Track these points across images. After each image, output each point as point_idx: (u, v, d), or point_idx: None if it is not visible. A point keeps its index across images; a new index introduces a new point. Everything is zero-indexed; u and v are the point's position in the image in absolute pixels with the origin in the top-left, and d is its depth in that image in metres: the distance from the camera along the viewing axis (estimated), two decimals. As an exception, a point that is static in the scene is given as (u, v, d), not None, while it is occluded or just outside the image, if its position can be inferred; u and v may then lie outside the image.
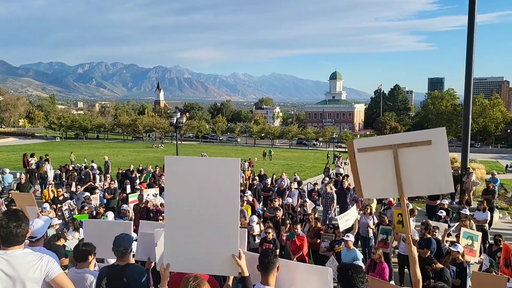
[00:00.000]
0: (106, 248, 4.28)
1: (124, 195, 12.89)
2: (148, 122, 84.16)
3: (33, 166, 19.60)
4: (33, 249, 2.96)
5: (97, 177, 18.22)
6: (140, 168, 20.33)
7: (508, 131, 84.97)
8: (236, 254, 2.88)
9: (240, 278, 2.86)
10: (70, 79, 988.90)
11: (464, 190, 15.25)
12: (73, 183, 15.03)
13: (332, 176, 21.63)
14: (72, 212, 10.80)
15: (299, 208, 12.30)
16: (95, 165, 21.13)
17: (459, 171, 16.06)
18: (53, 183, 15.79)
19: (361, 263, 7.01)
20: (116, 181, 16.08)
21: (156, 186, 14.27)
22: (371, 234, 9.94)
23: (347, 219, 9.49)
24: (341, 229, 9.07)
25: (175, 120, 19.16)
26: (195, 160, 3.06)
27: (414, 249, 3.23)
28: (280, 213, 10.55)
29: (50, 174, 18.74)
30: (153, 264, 4.43)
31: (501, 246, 7.38)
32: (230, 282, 3.35)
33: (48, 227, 5.44)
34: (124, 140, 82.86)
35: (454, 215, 11.94)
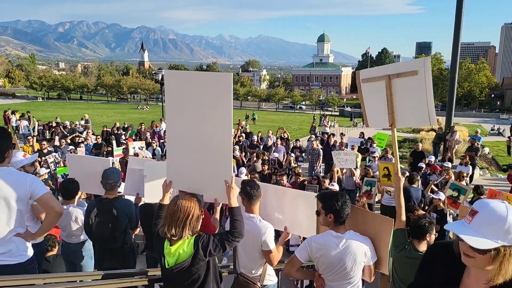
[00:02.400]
0: (89, 183, 4.28)
1: (109, 149, 12.77)
2: (132, 83, 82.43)
3: (14, 124, 19.21)
4: None
5: (83, 133, 17.99)
6: (126, 125, 20.10)
7: (492, 96, 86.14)
8: (228, 180, 2.85)
9: (229, 209, 2.83)
10: (50, 39, 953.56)
11: (447, 148, 15.59)
12: (57, 138, 14.78)
13: (318, 134, 21.78)
14: (57, 165, 10.68)
15: (284, 162, 12.45)
16: (78, 122, 20.84)
17: (443, 130, 16.34)
18: (35, 137, 15.49)
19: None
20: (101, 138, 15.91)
21: (142, 141, 14.16)
22: (355, 187, 10.16)
23: (346, 159, 9.68)
24: (336, 165, 9.34)
25: (160, 77, 18.81)
26: (192, 74, 3.00)
27: (402, 179, 3.31)
28: (266, 167, 10.68)
29: (24, 130, 18.47)
30: (142, 200, 4.44)
31: (482, 197, 7.56)
32: (217, 215, 3.36)
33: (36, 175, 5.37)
34: (108, 101, 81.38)
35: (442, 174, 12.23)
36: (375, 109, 3.45)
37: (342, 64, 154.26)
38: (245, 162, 13.06)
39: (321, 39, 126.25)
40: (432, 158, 12.22)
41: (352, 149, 12.71)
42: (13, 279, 2.30)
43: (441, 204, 6.98)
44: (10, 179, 2.64)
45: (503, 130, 37.37)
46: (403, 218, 3.41)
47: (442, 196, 7.16)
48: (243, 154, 14.05)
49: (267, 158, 12.06)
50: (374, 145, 14.78)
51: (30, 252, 2.85)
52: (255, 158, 12.13)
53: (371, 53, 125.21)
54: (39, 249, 3.74)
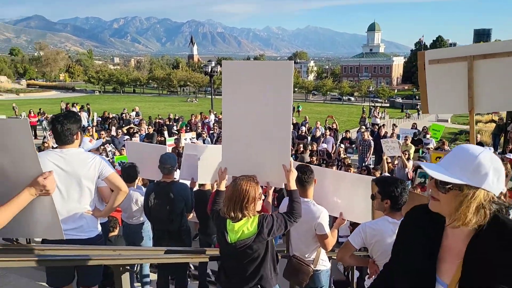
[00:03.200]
0: (147, 169, 4.49)
1: (162, 139, 13.26)
2: (182, 76, 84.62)
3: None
4: None
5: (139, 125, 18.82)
6: (176, 117, 20.74)
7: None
8: (287, 164, 2.87)
9: (287, 191, 2.86)
10: (106, 34, 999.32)
11: (508, 139, 14.66)
12: (113, 128, 15.58)
13: (368, 126, 21.25)
14: (114, 154, 11.29)
15: (333, 153, 12.31)
16: (133, 114, 21.80)
17: (504, 120, 15.38)
18: (94, 127, 16.45)
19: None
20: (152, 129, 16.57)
21: (193, 132, 14.59)
22: (408, 178, 9.86)
23: (393, 146, 9.85)
24: (385, 153, 9.45)
25: (209, 69, 19.18)
26: (250, 63, 3.03)
27: None
28: (315, 159, 10.65)
29: (84, 122, 19.58)
30: (196, 185, 4.60)
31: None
32: (270, 199, 3.41)
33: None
34: (159, 94, 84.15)
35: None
36: (442, 93, 3.19)
37: (393, 53, 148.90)
38: (292, 153, 13.09)
39: (372, 28, 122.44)
40: (491, 150, 11.56)
41: (406, 140, 12.31)
42: (88, 249, 2.50)
43: (502, 197, 6.62)
44: (81, 159, 2.85)
45: None
46: None
47: (503, 189, 6.78)
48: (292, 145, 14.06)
49: (315, 149, 12.00)
50: (428, 136, 14.20)
51: (99, 228, 3.07)
52: (302, 149, 12.11)
53: (425, 42, 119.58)
54: (104, 228, 4.01)
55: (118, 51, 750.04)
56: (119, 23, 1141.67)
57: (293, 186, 2.83)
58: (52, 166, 2.75)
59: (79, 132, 2.90)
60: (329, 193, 3.42)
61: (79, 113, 19.72)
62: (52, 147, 9.66)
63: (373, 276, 2.88)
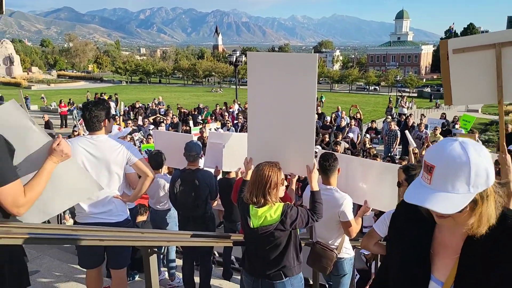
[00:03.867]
0: (172, 157, 4.59)
1: (187, 128, 13.45)
2: (207, 66, 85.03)
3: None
4: None
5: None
6: (201, 106, 20.95)
7: None
8: (310, 163, 2.92)
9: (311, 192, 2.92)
10: (132, 25, 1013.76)
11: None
12: (140, 118, 15.89)
13: (395, 115, 20.87)
14: (141, 142, 11.56)
15: (359, 143, 12.19)
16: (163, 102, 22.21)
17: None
18: (121, 116, 16.84)
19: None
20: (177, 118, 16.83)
21: (218, 121, 14.72)
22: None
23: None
24: (411, 144, 9.43)
25: (234, 59, 19.21)
26: (275, 55, 3.06)
27: (508, 158, 3.01)
28: (340, 147, 10.53)
29: (113, 111, 20.02)
30: (220, 172, 4.67)
31: None
32: (294, 186, 3.40)
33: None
34: (185, 85, 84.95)
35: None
36: (467, 83, 3.03)
37: (422, 42, 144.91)
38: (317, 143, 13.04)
39: (400, 15, 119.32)
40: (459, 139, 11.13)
41: (435, 130, 12.05)
42: (117, 231, 2.60)
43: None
44: (109, 145, 2.95)
45: None
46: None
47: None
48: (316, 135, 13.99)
49: (339, 139, 11.90)
50: (457, 126, 13.84)
51: (127, 212, 3.17)
52: (327, 139, 12.04)
53: (455, 29, 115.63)
54: (132, 214, 4.13)
55: (144, 42, 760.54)
56: (146, 14, 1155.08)
57: (315, 187, 2.89)
58: (82, 151, 2.86)
59: (107, 120, 2.99)
60: (355, 180, 3.42)
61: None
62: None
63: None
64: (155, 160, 4.50)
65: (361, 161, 3.50)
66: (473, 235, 1.22)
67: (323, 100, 47.76)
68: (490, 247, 1.21)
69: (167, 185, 4.40)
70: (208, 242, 2.85)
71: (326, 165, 3.22)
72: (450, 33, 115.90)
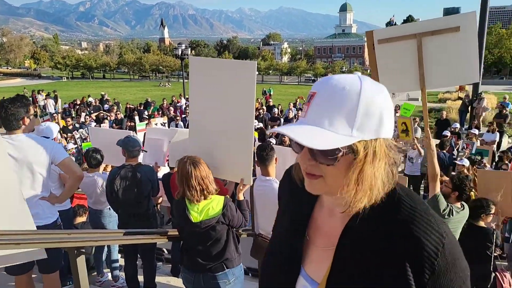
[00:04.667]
0: (111, 155, 4.43)
1: (132, 124, 13.06)
2: (154, 60, 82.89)
3: (41, 103, 19.77)
4: None
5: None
6: (149, 100, 20.40)
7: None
8: (249, 162, 3.03)
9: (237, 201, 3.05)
10: (72, 18, 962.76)
11: (474, 115, 15.17)
12: (83, 114, 15.21)
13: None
14: (84, 141, 11.04)
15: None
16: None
17: (470, 97, 15.86)
18: (59, 114, 16.02)
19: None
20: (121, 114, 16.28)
21: (165, 116, 14.40)
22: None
23: None
24: None
25: (180, 52, 18.84)
26: (216, 61, 3.13)
27: (432, 142, 3.18)
28: (287, 138, 10.69)
29: (51, 109, 19.01)
30: (160, 169, 4.55)
31: (507, 162, 7.43)
32: (241, 196, 3.33)
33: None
34: (131, 79, 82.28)
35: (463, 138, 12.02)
36: (392, 72, 3.15)
37: (365, 34, 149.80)
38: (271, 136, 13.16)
39: (344, 8, 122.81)
40: (457, 125, 11.97)
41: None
42: (41, 234, 2.45)
43: (465, 171, 6.86)
44: (31, 144, 2.76)
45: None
46: (438, 183, 3.34)
47: (466, 162, 7.03)
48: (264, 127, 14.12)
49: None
50: (398, 114, 14.51)
51: (57, 214, 3.00)
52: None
53: (396, 21, 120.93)
54: (67, 215, 3.93)
55: (85, 36, 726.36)
56: (85, 6, 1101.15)
57: (241, 197, 3.06)
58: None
59: (26, 117, 2.79)
60: None
61: (45, 100, 19.11)
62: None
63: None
64: (93, 158, 4.30)
65: (293, 152, 3.57)
66: (355, 217, 0.89)
67: (271, 93, 48.08)
68: (372, 233, 0.88)
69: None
70: (142, 239, 2.76)
71: (263, 155, 3.25)
72: (390, 25, 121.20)
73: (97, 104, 19.25)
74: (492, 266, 3.91)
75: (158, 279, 4.67)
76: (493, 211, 3.84)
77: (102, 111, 16.06)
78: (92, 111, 17.64)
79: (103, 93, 22.48)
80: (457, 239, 2.96)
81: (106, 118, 13.81)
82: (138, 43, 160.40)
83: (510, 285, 3.80)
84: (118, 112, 14.43)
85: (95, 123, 12.81)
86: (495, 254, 6.39)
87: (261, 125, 12.94)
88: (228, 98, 2.93)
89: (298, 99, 18.05)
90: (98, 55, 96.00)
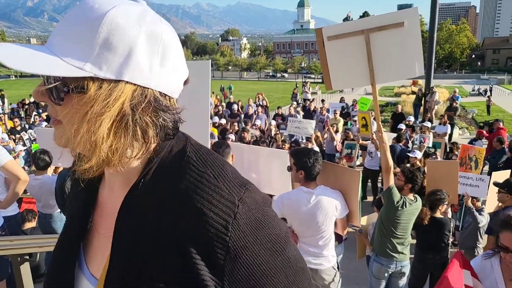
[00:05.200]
0: (60, 156, 4.22)
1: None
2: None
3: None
4: None
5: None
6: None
7: (473, 56, 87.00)
8: None
9: None
10: (19, 14, 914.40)
11: (427, 109, 15.80)
12: (33, 114, 14.47)
13: (300, 101, 21.80)
14: (33, 142, 10.51)
15: (266, 130, 12.51)
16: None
17: (423, 91, 16.51)
18: (5, 115, 15.17)
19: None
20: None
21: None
22: (337, 150, 10.28)
23: (298, 126, 10.22)
24: (287, 131, 9.72)
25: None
26: None
27: (385, 136, 3.25)
28: (247, 135, 10.68)
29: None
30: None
31: (456, 152, 7.78)
32: None
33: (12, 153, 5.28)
34: (86, 77, 79.48)
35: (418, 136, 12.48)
36: (343, 68, 3.19)
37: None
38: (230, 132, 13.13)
39: (301, 4, 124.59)
40: (412, 119, 12.43)
41: (335, 114, 12.80)
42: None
43: (418, 162, 7.12)
44: None
45: (483, 90, 37.93)
46: (392, 176, 3.43)
47: (418, 154, 7.30)
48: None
49: (249, 127, 12.10)
50: (356, 109, 14.88)
51: (0, 221, 2.81)
52: (236, 128, 12.16)
53: (352, 17, 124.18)
54: (15, 221, 3.70)
55: (34, 32, 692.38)
56: (34, 0, 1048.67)
57: None
58: None
59: None
60: (248, 168, 3.47)
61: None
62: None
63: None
64: (39, 158, 4.06)
65: (251, 149, 3.58)
66: (133, 189, 0.71)
67: (232, 90, 47.91)
68: (151, 211, 0.69)
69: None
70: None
71: (220, 151, 3.20)
72: (347, 21, 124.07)
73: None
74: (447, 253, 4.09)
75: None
76: (447, 201, 4.02)
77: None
78: (41, 111, 16.82)
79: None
80: (410, 230, 3.02)
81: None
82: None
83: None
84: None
85: (46, 123, 12.20)
86: (448, 242, 6.73)
87: (223, 121, 12.89)
88: (181, 100, 2.85)
89: (258, 95, 18.06)
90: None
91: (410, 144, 9.58)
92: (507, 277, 2.03)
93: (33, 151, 8.56)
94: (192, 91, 2.78)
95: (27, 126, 12.75)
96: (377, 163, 8.69)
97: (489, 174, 6.56)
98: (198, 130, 2.93)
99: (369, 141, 8.66)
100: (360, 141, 9.04)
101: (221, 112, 15.43)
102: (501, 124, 11.24)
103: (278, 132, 11.56)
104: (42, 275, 4.41)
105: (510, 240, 1.94)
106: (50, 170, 4.24)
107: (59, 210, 4.24)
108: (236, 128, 12.48)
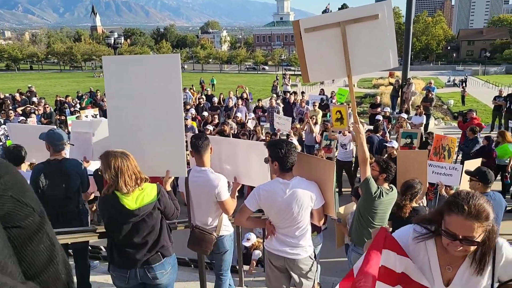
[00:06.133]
0: (33, 152, 4.16)
1: (63, 117, 12.32)
2: (86, 50, 78.65)
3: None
4: None
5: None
6: (80, 94, 19.33)
7: (448, 48, 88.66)
8: (181, 154, 3.04)
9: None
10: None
11: (404, 100, 16.07)
12: (7, 110, 14.06)
13: (280, 94, 21.85)
14: (8, 137, 10.24)
15: (247, 123, 12.51)
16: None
17: (400, 82, 16.76)
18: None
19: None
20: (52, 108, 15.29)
21: (96, 108, 13.73)
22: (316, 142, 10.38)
23: (284, 123, 10.69)
24: (275, 126, 9.82)
25: (112, 41, 17.99)
26: (134, 58, 3.00)
27: (361, 127, 3.27)
28: (227, 127, 10.68)
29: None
30: (89, 164, 4.34)
31: (431, 142, 7.96)
32: (168, 187, 3.25)
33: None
34: (61, 70, 77.62)
35: (394, 122, 12.70)
36: (320, 60, 3.19)
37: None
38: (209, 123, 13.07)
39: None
40: (388, 109, 12.64)
41: (314, 106, 12.90)
42: None
43: (395, 152, 7.26)
44: None
45: (459, 81, 38.75)
46: (368, 167, 3.48)
47: (395, 144, 7.44)
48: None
49: (230, 119, 12.10)
50: (334, 100, 15.02)
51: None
52: (217, 120, 12.13)
53: (331, 10, 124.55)
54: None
55: (8, 24, 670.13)
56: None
57: (168, 188, 3.07)
58: None
59: None
60: (226, 160, 3.49)
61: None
62: None
63: (269, 237, 2.99)
64: (12, 153, 3.97)
65: (228, 141, 3.61)
66: None
67: (214, 83, 47.24)
68: None
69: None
70: (68, 239, 2.61)
71: (199, 143, 3.20)
72: (326, 13, 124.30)
73: (23, 98, 17.88)
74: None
75: (95, 278, 4.48)
76: (422, 190, 4.12)
77: (29, 105, 14.95)
78: (17, 106, 16.39)
79: (30, 85, 20.93)
80: (387, 219, 3.05)
81: (34, 112, 12.89)
82: (68, 31, 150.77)
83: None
84: (47, 106, 13.51)
85: (22, 117, 11.90)
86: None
87: (205, 114, 12.83)
88: (152, 94, 2.87)
89: (239, 88, 18.02)
90: (24, 45, 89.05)
91: (387, 135, 9.76)
92: (443, 263, 1.75)
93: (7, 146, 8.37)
94: (163, 85, 2.79)
95: (2, 120, 12.40)
96: (351, 155, 8.86)
97: (462, 163, 6.75)
98: (171, 123, 2.92)
99: (340, 134, 8.80)
100: (331, 135, 9.19)
101: (202, 105, 15.35)
102: (475, 114, 11.54)
103: (258, 125, 11.61)
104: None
105: (458, 225, 1.57)
106: (25, 166, 4.15)
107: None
108: (217, 121, 12.48)
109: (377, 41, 3.03)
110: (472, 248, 1.60)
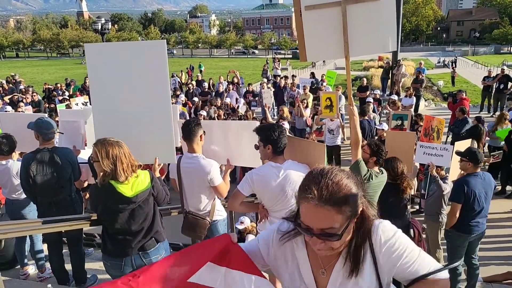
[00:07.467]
0: (24, 141, 4.13)
1: (52, 106, 12.17)
2: (73, 36, 77.21)
3: None
4: None
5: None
6: (68, 81, 19.04)
7: (438, 29, 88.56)
8: (171, 141, 3.08)
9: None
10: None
11: (394, 82, 16.11)
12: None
13: (270, 78, 21.74)
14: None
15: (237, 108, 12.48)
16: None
17: (390, 64, 16.78)
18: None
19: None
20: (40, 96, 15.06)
21: (86, 95, 13.56)
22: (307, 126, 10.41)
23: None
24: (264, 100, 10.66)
25: (100, 27, 17.61)
26: (118, 45, 2.96)
27: (355, 109, 3.24)
28: (222, 113, 10.71)
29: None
30: (79, 152, 4.32)
31: (421, 123, 8.03)
32: (157, 173, 3.26)
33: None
34: (48, 57, 76.25)
35: (384, 104, 12.75)
36: (319, 39, 3.14)
37: (292, 4, 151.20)
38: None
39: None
40: (378, 92, 12.66)
41: (304, 89, 12.86)
42: None
43: (385, 134, 7.31)
44: None
45: (448, 62, 38.84)
46: (360, 149, 3.47)
47: (385, 126, 7.49)
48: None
49: (219, 104, 12.05)
50: (325, 83, 14.99)
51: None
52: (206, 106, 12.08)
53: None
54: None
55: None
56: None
57: (157, 174, 3.09)
58: None
59: None
60: (217, 143, 3.50)
61: None
62: None
63: (263, 220, 3.02)
64: (4, 145, 3.93)
65: (219, 124, 3.62)
66: None
67: (202, 69, 46.63)
68: None
69: (21, 171, 3.91)
70: (63, 227, 2.62)
71: (188, 129, 3.21)
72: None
73: (10, 86, 17.57)
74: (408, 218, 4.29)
75: (91, 265, 4.50)
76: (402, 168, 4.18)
77: (16, 93, 14.70)
78: (4, 94, 16.12)
79: (13, 73, 20.57)
80: (376, 201, 3.07)
81: (22, 101, 12.69)
82: (54, 17, 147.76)
83: (418, 234, 4.17)
84: (35, 94, 13.30)
85: (9, 107, 11.72)
86: (413, 210, 7.01)
87: (196, 99, 12.79)
88: (138, 82, 2.86)
89: (229, 73, 17.89)
90: (9, 32, 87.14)
91: (377, 117, 9.83)
92: (316, 267, 1.36)
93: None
94: (149, 72, 2.76)
95: (-13, 110, 12.22)
96: (338, 140, 9.01)
97: (452, 143, 6.82)
98: (159, 110, 2.91)
99: (328, 119, 8.85)
100: (318, 121, 9.26)
101: (191, 90, 15.24)
102: (464, 94, 11.62)
103: (249, 109, 11.56)
104: (10, 261, 4.36)
105: (309, 215, 1.19)
106: (15, 155, 4.11)
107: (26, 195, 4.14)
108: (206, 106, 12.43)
109: (377, 23, 2.99)
110: (337, 243, 1.20)
